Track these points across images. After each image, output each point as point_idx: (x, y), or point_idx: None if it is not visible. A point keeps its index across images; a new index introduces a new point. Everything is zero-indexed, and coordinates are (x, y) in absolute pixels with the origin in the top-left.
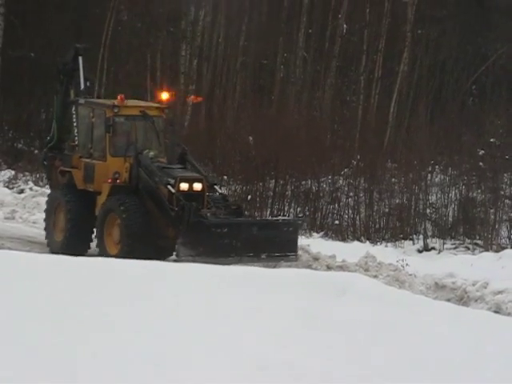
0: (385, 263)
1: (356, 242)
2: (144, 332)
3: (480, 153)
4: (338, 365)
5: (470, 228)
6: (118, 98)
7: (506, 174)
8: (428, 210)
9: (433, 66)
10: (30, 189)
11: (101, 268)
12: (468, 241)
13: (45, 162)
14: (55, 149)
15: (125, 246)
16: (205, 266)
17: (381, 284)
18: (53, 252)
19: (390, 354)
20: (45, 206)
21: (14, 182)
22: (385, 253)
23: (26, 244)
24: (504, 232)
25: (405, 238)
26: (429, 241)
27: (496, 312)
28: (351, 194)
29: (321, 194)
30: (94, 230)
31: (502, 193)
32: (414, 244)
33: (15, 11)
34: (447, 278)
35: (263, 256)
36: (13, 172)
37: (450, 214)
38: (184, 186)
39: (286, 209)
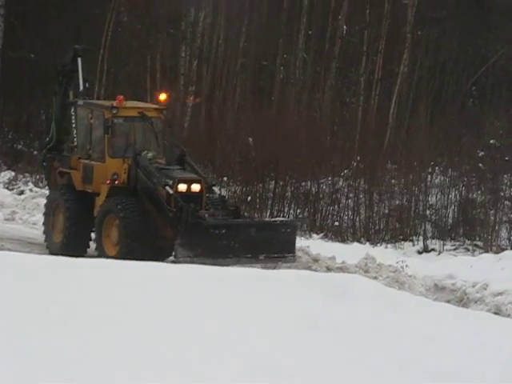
0: (384, 264)
1: (356, 244)
2: (144, 333)
3: (480, 154)
4: (337, 366)
5: (470, 229)
6: (117, 99)
7: (505, 176)
8: (428, 212)
9: (433, 67)
10: (30, 190)
11: (101, 269)
12: (468, 242)
13: (44, 163)
14: (54, 150)
15: (123, 246)
16: (204, 268)
17: (380, 285)
18: (51, 253)
19: (389, 355)
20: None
21: (13, 183)
22: (385, 254)
23: (26, 245)
24: (504, 233)
25: (405, 240)
26: (429, 242)
27: (496, 313)
28: (351, 195)
29: (321, 196)
30: (93, 230)
31: (502, 194)
32: (413, 245)
33: (15, 12)
34: (447, 280)
35: (261, 257)
36: (13, 173)
37: (450, 215)
38: (182, 187)
39: (285, 210)
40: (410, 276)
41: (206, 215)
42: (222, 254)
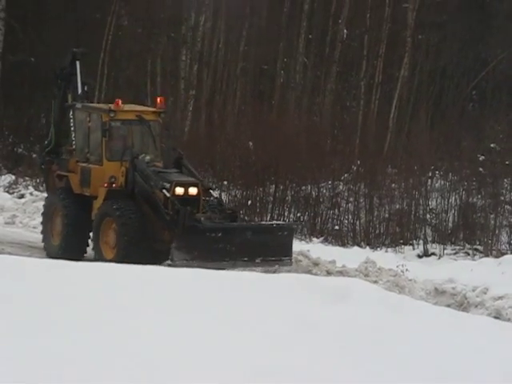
0: (385, 268)
1: (356, 248)
2: (143, 335)
3: (480, 158)
4: (337, 369)
5: (470, 233)
6: (115, 102)
7: (506, 180)
8: (428, 216)
9: (433, 71)
10: (31, 194)
11: (101, 272)
12: (468, 246)
13: (43, 166)
14: (53, 153)
15: (121, 250)
16: (204, 271)
17: (381, 289)
18: (50, 256)
19: (389, 359)
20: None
21: (14, 186)
22: (385, 258)
23: (27, 249)
24: (504, 237)
25: (405, 244)
26: (429, 246)
27: (496, 318)
28: (351, 199)
29: (321, 200)
30: (91, 234)
31: (502, 198)
32: (414, 249)
33: (16, 16)
34: (447, 284)
35: (258, 260)
36: (13, 177)
37: (450, 219)
38: (179, 191)
39: (286, 214)
40: (410, 280)
41: (202, 218)
42: (218, 258)
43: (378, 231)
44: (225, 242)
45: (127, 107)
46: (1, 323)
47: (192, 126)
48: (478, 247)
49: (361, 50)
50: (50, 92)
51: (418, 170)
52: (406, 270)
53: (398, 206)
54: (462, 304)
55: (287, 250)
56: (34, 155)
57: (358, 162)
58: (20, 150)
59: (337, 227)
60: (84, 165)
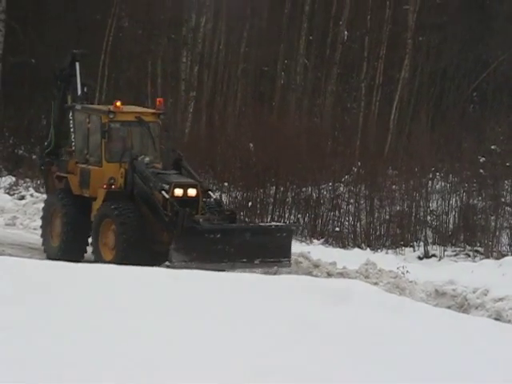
0: (385, 270)
1: (356, 249)
2: (143, 337)
3: (481, 160)
4: (337, 371)
5: (471, 235)
6: (113, 103)
7: (506, 181)
8: (429, 217)
9: (434, 72)
10: (31, 195)
11: (101, 274)
12: (468, 248)
13: (42, 168)
14: (53, 154)
15: (120, 251)
16: (204, 273)
17: (381, 291)
18: (49, 257)
19: (389, 360)
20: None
21: (14, 188)
22: (385, 260)
23: (27, 250)
24: (504, 239)
25: (405, 245)
26: (429, 248)
27: (496, 319)
28: (352, 200)
29: (321, 201)
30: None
31: (503, 200)
32: (414, 251)
33: (16, 17)
34: (448, 285)
35: (257, 261)
36: (13, 178)
37: (451, 221)
38: (178, 192)
39: (286, 215)
40: (410, 282)
41: (201, 220)
42: (217, 259)
43: (378, 233)
44: (223, 243)
45: (126, 108)
46: (1, 324)
47: (192, 127)
48: (479, 249)
49: (361, 51)
50: (50, 93)
51: (418, 172)
52: (407, 271)
53: (398, 208)
54: (463, 306)
55: (286, 252)
56: (35, 157)
57: (359, 164)
58: (20, 152)
59: (337, 229)
60: (83, 166)
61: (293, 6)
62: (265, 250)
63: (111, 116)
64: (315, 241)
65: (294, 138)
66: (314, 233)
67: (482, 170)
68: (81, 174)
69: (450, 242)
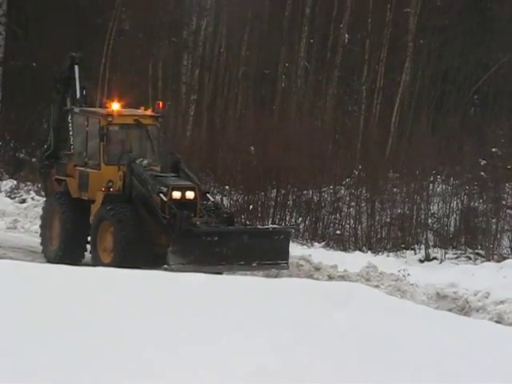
0: (386, 273)
1: (357, 252)
2: (143, 339)
3: (482, 163)
4: (338, 373)
5: (472, 238)
6: (113, 105)
7: (507, 184)
8: (430, 220)
9: (434, 75)
10: (32, 198)
11: (104, 277)
12: (470, 251)
13: (42, 171)
14: (52, 157)
15: (118, 253)
16: (204, 275)
17: (382, 294)
18: (48, 260)
19: (390, 363)
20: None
21: (15, 191)
22: (386, 263)
23: (28, 254)
24: (506, 242)
25: (406, 248)
26: (430, 251)
27: (498, 322)
28: (353, 203)
29: (322, 204)
30: (89, 238)
31: (504, 203)
32: (415, 254)
33: (17, 21)
34: (449, 288)
35: (254, 264)
36: (15, 182)
37: (452, 223)
38: (176, 195)
39: (287, 218)
40: (411, 284)
41: (198, 222)
42: (214, 261)
43: (379, 236)
44: (221, 245)
45: (125, 111)
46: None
47: (193, 130)
48: (480, 251)
49: (362, 54)
50: (50, 97)
51: (419, 175)
52: (408, 274)
53: (399, 211)
54: (464, 308)
55: (284, 254)
56: (34, 160)
57: (360, 167)
58: (21, 155)
59: (338, 232)
60: (82, 169)
61: (293, 9)
62: (262, 253)
63: (109, 119)
64: (316, 244)
65: (294, 141)
66: (315, 236)
67: (482, 173)
68: (79, 177)
69: (451, 245)
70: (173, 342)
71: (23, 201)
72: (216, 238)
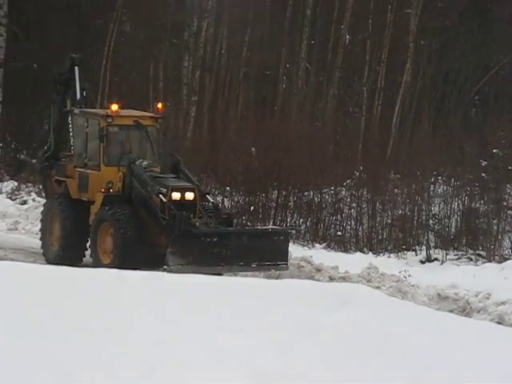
0: (387, 274)
1: (358, 253)
2: (144, 341)
3: (483, 164)
4: (339, 374)
5: (473, 239)
6: (112, 106)
7: (508, 185)
8: (431, 221)
9: (435, 76)
10: (33, 200)
11: (104, 279)
12: (471, 252)
13: (42, 172)
14: (52, 158)
15: (117, 255)
16: (205, 277)
17: (383, 295)
18: (48, 261)
19: (391, 364)
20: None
21: (16, 193)
22: (387, 264)
23: (30, 255)
24: (507, 243)
25: (407, 249)
26: (431, 252)
27: (499, 323)
28: (354, 204)
29: (323, 205)
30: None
31: (505, 204)
32: (416, 255)
33: (18, 22)
34: (450, 289)
35: (254, 265)
36: (15, 183)
37: (453, 224)
38: (176, 196)
39: (288, 220)
40: (412, 285)
41: (198, 223)
42: (213, 262)
43: (380, 237)
44: (220, 246)
45: (124, 112)
46: (1, 328)
47: (194, 131)
48: (481, 252)
49: (363, 55)
50: (51, 98)
51: (420, 176)
52: (409, 275)
53: (400, 212)
54: (465, 309)
55: (283, 255)
56: (36, 161)
57: (361, 168)
58: (22, 157)
59: (339, 233)
60: (82, 170)
61: (294, 10)
62: (262, 254)
63: (109, 120)
64: (317, 245)
65: (295, 142)
66: (316, 237)
67: (483, 174)
68: (79, 178)
69: (452, 246)
70: (173, 342)
71: (24, 202)
72: (215, 239)
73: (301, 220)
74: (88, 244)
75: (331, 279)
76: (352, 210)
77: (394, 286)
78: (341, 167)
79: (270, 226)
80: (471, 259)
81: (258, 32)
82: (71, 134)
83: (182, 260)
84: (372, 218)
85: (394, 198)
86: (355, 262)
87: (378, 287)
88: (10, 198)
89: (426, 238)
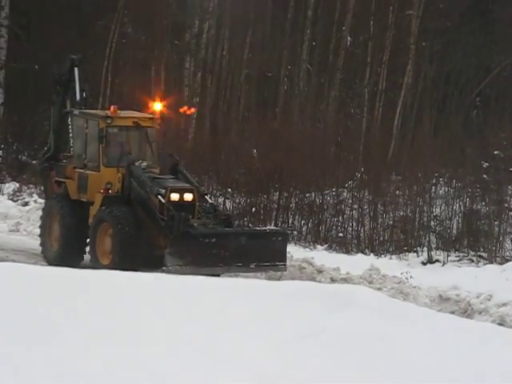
0: (389, 276)
1: (360, 255)
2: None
3: (484, 165)
4: (340, 376)
5: (474, 240)
6: (110, 109)
7: (510, 187)
8: (432, 223)
9: (437, 78)
10: (35, 201)
11: (105, 280)
12: (472, 253)
13: (42, 172)
14: (52, 159)
15: (116, 255)
16: (206, 279)
17: (385, 296)
18: (48, 261)
19: (392, 366)
20: None
21: (18, 194)
22: (389, 265)
23: (31, 256)
24: (508, 244)
25: (409, 251)
26: (433, 253)
27: (500, 324)
28: (355, 206)
29: (325, 207)
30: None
31: (506, 205)
32: (418, 256)
33: (19, 23)
34: (451, 291)
35: (252, 266)
36: (17, 184)
37: (454, 226)
38: (175, 197)
39: (290, 221)
40: (414, 287)
41: (196, 224)
42: (212, 263)
43: (382, 238)
44: (218, 247)
45: (124, 113)
46: (2, 330)
47: (196, 133)
48: (482, 254)
49: (364, 57)
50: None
51: (421, 177)
52: (410, 277)
53: (402, 213)
54: (466, 311)
55: (281, 256)
56: (36, 162)
57: (362, 169)
58: (24, 158)
59: (341, 234)
60: (81, 171)
61: (296, 12)
62: (260, 255)
63: (108, 121)
64: (319, 246)
65: (297, 144)
66: (318, 238)
67: (485, 175)
68: (79, 179)
69: (453, 248)
70: (173, 343)
71: (26, 203)
72: (214, 240)
73: (302, 221)
74: (87, 245)
75: (333, 281)
76: (353, 212)
77: (396, 288)
78: (342, 169)
79: (269, 227)
80: (473, 261)
81: (260, 33)
82: (71, 134)
83: (180, 261)
84: (373, 219)
85: (395, 200)
86: (357, 263)
87: (379, 289)
88: (12, 200)
89: (427, 239)
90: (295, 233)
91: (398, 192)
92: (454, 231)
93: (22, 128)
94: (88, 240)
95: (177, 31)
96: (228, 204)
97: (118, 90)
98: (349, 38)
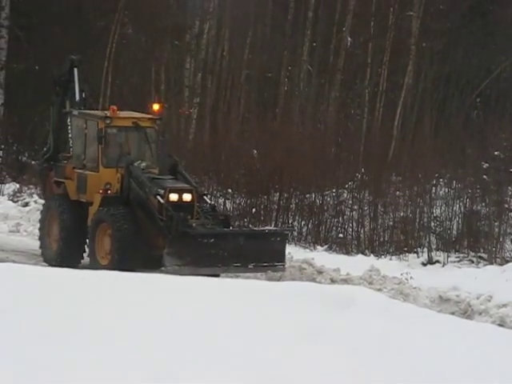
0: (389, 276)
1: (360, 256)
2: (144, 344)
3: (484, 166)
4: (339, 378)
5: (475, 241)
6: (110, 109)
7: (510, 187)
8: (432, 223)
9: (437, 78)
10: (35, 202)
11: (104, 281)
12: (472, 254)
13: (41, 173)
14: (51, 160)
15: (115, 256)
16: (206, 279)
17: (385, 297)
18: (47, 262)
19: (393, 367)
20: None
21: (18, 195)
22: (389, 266)
23: (31, 257)
24: (508, 245)
25: (409, 251)
26: (433, 254)
27: (500, 325)
28: (355, 207)
29: (325, 207)
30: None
31: (507, 206)
32: (418, 257)
33: (20, 24)
34: (451, 291)
35: (250, 266)
36: (17, 185)
37: (455, 227)
38: (173, 197)
39: (290, 222)
40: (414, 288)
41: (195, 224)
42: (210, 263)
43: (382, 239)
44: (217, 247)
45: (123, 114)
46: (2, 330)
47: (196, 133)
48: (483, 255)
49: (365, 57)
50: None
51: (422, 178)
52: (411, 277)
53: (402, 214)
54: (466, 312)
55: (280, 256)
56: (35, 162)
57: (362, 170)
58: (24, 159)
59: (341, 235)
60: (80, 171)
61: (296, 13)
62: (259, 255)
63: (108, 121)
64: (319, 247)
65: (297, 145)
66: (318, 239)
67: (485, 176)
68: (78, 180)
69: (453, 248)
70: (173, 344)
71: (26, 204)
72: (212, 240)
73: (302, 222)
74: (87, 245)
75: (333, 281)
76: (354, 213)
77: (396, 289)
78: (342, 169)
79: (267, 227)
80: (473, 261)
81: (260, 34)
82: (70, 135)
83: (178, 261)
84: (374, 220)
85: (395, 201)
86: (357, 264)
87: (379, 289)
88: (12, 200)
89: (427, 240)
90: (295, 233)
91: (398, 193)
92: (454, 232)
93: (23, 128)
94: (87, 240)
95: (177, 32)
96: (228, 205)
97: (118, 91)
98: (349, 39)
